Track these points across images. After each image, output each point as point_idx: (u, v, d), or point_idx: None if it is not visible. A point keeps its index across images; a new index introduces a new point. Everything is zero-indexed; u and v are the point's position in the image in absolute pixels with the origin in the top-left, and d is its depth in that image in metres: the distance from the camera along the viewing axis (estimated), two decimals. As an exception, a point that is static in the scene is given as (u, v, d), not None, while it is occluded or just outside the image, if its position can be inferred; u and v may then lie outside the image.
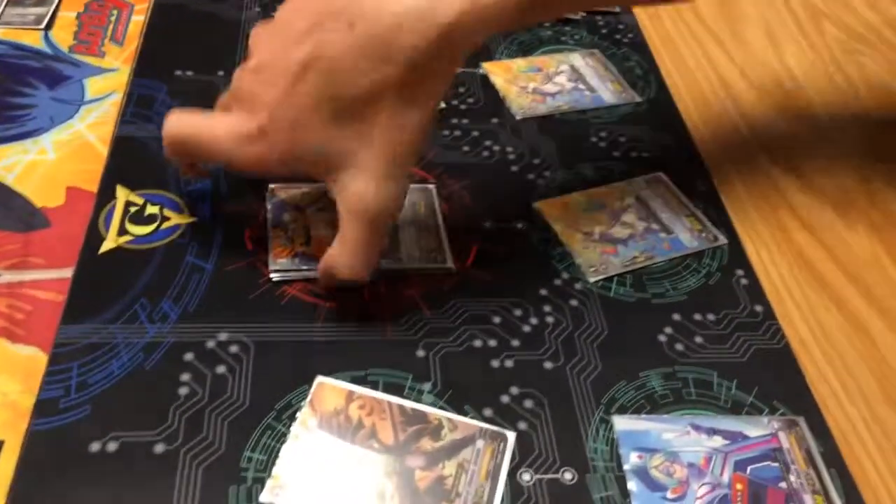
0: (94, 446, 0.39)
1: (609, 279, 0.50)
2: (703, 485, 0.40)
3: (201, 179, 0.52)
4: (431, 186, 0.54)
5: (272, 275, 0.48)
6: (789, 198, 0.57)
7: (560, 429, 0.42)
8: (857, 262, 0.53)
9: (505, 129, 0.60)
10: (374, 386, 0.43)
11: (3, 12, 0.66)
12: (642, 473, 0.41)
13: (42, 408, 0.41)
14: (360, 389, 0.42)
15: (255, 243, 0.49)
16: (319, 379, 0.43)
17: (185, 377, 0.42)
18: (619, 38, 0.70)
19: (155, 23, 0.67)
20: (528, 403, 0.43)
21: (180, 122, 0.46)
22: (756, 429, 0.43)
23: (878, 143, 0.62)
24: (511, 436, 0.41)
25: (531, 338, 0.46)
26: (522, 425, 0.42)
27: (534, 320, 0.47)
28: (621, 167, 0.58)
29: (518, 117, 0.61)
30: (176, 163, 0.51)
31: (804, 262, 0.53)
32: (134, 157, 0.54)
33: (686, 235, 0.53)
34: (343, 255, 0.44)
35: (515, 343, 0.46)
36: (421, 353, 0.45)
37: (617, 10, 0.73)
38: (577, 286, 0.49)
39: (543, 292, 0.49)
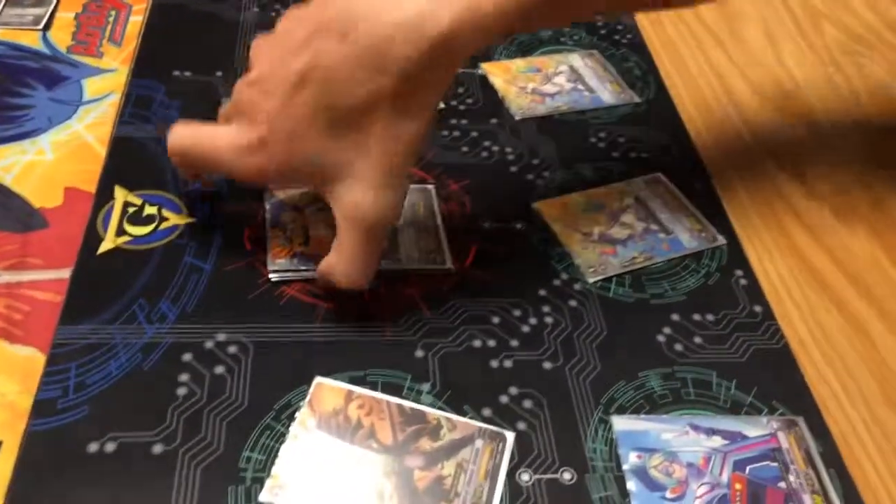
0: (93, 447, 0.39)
1: (608, 280, 0.50)
2: (702, 484, 0.40)
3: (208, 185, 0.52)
4: (431, 187, 0.54)
5: (271, 275, 0.47)
6: (789, 198, 0.57)
7: (559, 429, 0.42)
8: (857, 263, 0.53)
9: (504, 129, 0.60)
10: (373, 386, 0.43)
11: (1, 13, 0.66)
12: (641, 473, 0.41)
13: (40, 408, 0.41)
14: (359, 389, 0.42)
15: (254, 244, 0.49)
16: (318, 379, 0.43)
17: (184, 377, 0.42)
18: (618, 39, 0.70)
19: (153, 23, 0.67)
20: (527, 403, 0.43)
21: (183, 134, 0.46)
22: (755, 429, 0.43)
23: (877, 144, 0.62)
24: (510, 436, 0.41)
25: (530, 338, 0.46)
26: (521, 425, 0.42)
27: (533, 320, 0.47)
28: (620, 168, 0.58)
29: (517, 118, 0.61)
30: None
31: (803, 262, 0.53)
32: (132, 158, 0.54)
33: (685, 236, 0.53)
34: (340, 263, 0.44)
35: (514, 343, 0.46)
36: (420, 353, 0.45)
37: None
38: (577, 286, 0.49)
39: (542, 293, 0.49)
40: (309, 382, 0.43)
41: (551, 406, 0.43)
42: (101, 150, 0.55)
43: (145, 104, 0.58)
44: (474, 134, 0.59)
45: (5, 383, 0.42)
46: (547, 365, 0.45)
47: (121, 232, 0.49)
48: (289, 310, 0.46)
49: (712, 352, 0.46)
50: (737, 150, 0.61)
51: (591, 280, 0.49)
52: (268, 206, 0.51)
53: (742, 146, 0.61)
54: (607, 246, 0.52)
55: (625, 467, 0.41)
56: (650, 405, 0.43)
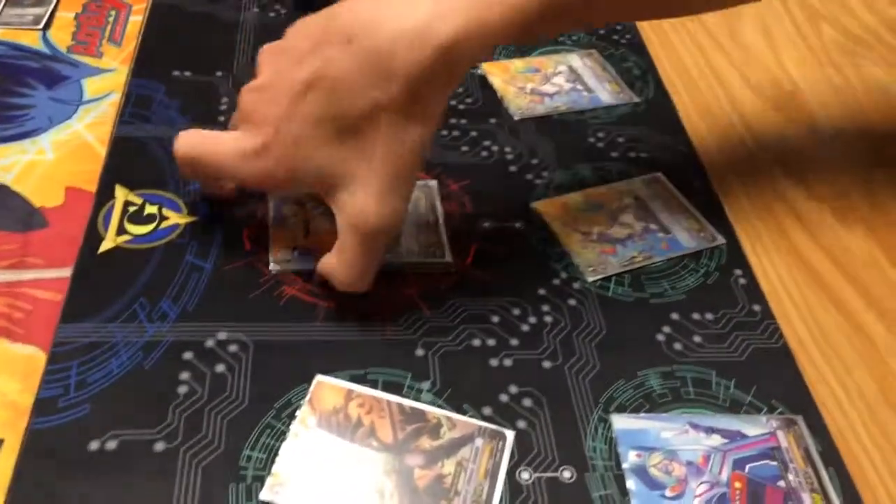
0: (94, 445, 0.39)
1: (607, 279, 0.50)
2: (701, 483, 0.40)
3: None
4: (433, 183, 0.54)
5: (271, 266, 0.48)
6: (788, 198, 0.57)
7: (559, 427, 0.42)
8: (855, 263, 0.53)
9: (503, 129, 0.60)
10: (374, 385, 0.43)
11: (1, 12, 0.66)
12: (641, 472, 0.41)
13: (41, 407, 0.41)
14: (359, 388, 0.43)
15: (254, 242, 0.49)
16: (319, 378, 0.43)
17: (185, 376, 0.43)
18: (617, 39, 0.70)
19: (153, 23, 0.67)
20: (527, 402, 0.43)
21: (189, 141, 0.46)
22: (754, 427, 0.43)
23: (876, 144, 0.63)
24: (510, 434, 0.41)
25: (530, 337, 0.46)
26: (521, 424, 0.42)
27: (532, 320, 0.47)
28: (619, 167, 0.58)
29: (516, 118, 0.61)
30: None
31: (802, 262, 0.53)
32: (132, 157, 0.54)
33: (684, 235, 0.53)
34: (340, 266, 0.44)
35: (514, 342, 0.46)
36: (420, 352, 0.45)
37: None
38: (576, 286, 0.49)
39: (542, 292, 0.49)
40: (309, 381, 0.43)
41: (551, 405, 0.43)
42: (102, 150, 0.55)
43: (145, 104, 0.58)
44: (473, 134, 0.59)
45: (6, 382, 0.42)
46: (546, 364, 0.45)
47: (121, 231, 0.49)
48: (289, 308, 0.46)
49: (712, 351, 0.47)
50: (735, 149, 0.61)
51: (590, 279, 0.50)
52: (272, 204, 0.51)
53: (741, 146, 0.61)
54: (607, 245, 0.52)
55: (624, 466, 0.41)
56: (650, 404, 0.44)
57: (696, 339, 0.47)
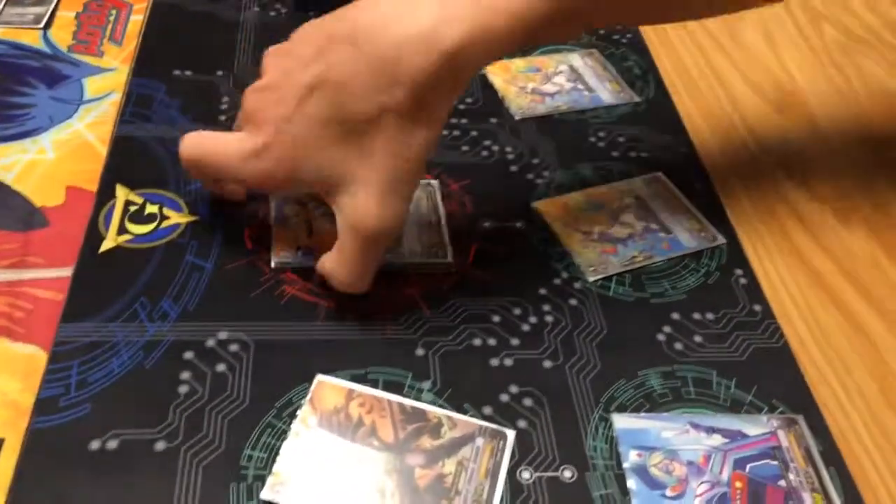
0: (95, 444, 0.39)
1: (608, 278, 0.50)
2: (702, 483, 0.40)
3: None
4: (435, 183, 0.54)
5: (273, 262, 0.48)
6: (788, 198, 0.57)
7: (559, 427, 0.42)
8: (856, 263, 0.53)
9: (504, 129, 0.60)
10: (374, 384, 0.43)
11: (2, 12, 0.66)
12: (641, 471, 0.41)
13: (42, 406, 0.41)
14: (359, 388, 0.43)
15: (255, 242, 0.49)
16: (319, 377, 0.43)
17: (186, 375, 0.43)
18: (618, 39, 0.70)
19: (154, 22, 0.67)
20: (528, 402, 0.43)
21: (193, 142, 0.47)
22: (755, 427, 0.43)
23: (878, 144, 0.63)
24: (510, 434, 0.41)
25: (530, 337, 0.46)
26: (522, 423, 0.42)
27: (533, 319, 0.47)
28: (620, 167, 0.58)
29: (517, 117, 0.61)
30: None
31: (803, 262, 0.53)
32: (133, 157, 0.54)
33: (685, 235, 0.53)
34: (339, 266, 0.44)
35: (515, 342, 0.46)
36: (420, 351, 0.45)
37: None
38: (577, 285, 0.49)
39: (543, 291, 0.49)
40: (310, 380, 0.43)
41: (552, 404, 0.43)
42: (102, 149, 0.55)
43: (146, 103, 0.58)
44: (474, 133, 0.59)
45: (7, 381, 0.42)
46: (547, 363, 0.45)
47: (122, 230, 0.49)
48: (290, 308, 0.46)
49: (712, 350, 0.47)
50: (736, 149, 0.61)
51: (591, 279, 0.50)
52: (273, 204, 0.51)
53: (742, 146, 0.61)
54: (607, 245, 0.52)
55: (625, 465, 0.41)
56: (650, 403, 0.44)
57: (697, 338, 0.47)
